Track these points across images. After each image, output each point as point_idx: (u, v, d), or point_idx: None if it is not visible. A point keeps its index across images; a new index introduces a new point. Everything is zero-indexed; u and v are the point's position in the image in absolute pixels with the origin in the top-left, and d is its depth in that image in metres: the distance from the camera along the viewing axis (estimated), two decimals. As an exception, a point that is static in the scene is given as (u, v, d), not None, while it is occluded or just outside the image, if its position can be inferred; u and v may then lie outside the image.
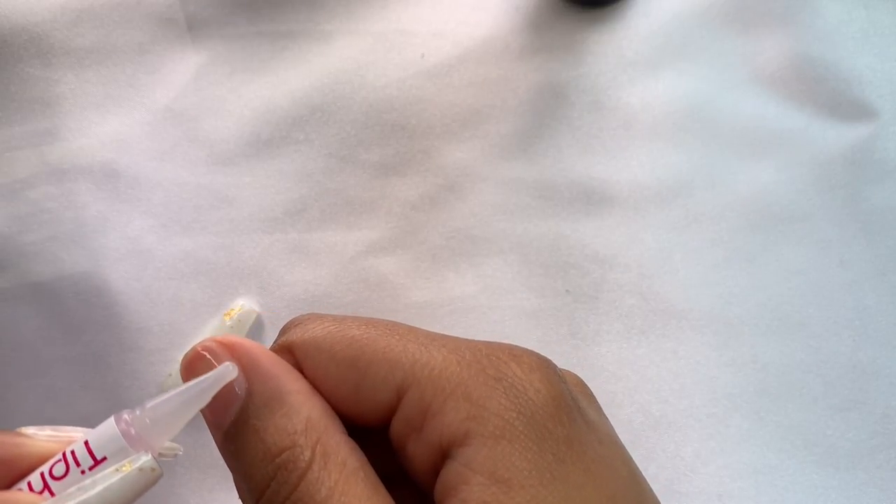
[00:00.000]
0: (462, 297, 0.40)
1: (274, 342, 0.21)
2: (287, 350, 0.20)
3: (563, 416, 0.19)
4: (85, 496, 0.18)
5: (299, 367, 0.20)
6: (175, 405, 0.19)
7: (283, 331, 0.21)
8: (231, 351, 0.19)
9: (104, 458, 0.19)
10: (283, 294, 0.40)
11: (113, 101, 0.42)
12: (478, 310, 0.40)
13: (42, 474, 0.19)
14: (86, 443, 0.19)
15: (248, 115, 0.42)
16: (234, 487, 0.20)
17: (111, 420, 0.19)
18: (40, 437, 0.21)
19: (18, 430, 0.21)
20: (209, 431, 0.20)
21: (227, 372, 0.19)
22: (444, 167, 0.42)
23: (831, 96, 0.42)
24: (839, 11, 0.42)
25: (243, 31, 0.43)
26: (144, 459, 0.19)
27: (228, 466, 0.19)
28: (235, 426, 0.19)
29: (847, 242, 0.40)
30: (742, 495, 0.37)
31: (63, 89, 0.42)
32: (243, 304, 0.40)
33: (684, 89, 0.42)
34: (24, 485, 0.20)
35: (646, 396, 0.39)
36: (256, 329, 0.41)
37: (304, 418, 0.19)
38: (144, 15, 0.42)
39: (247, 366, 0.19)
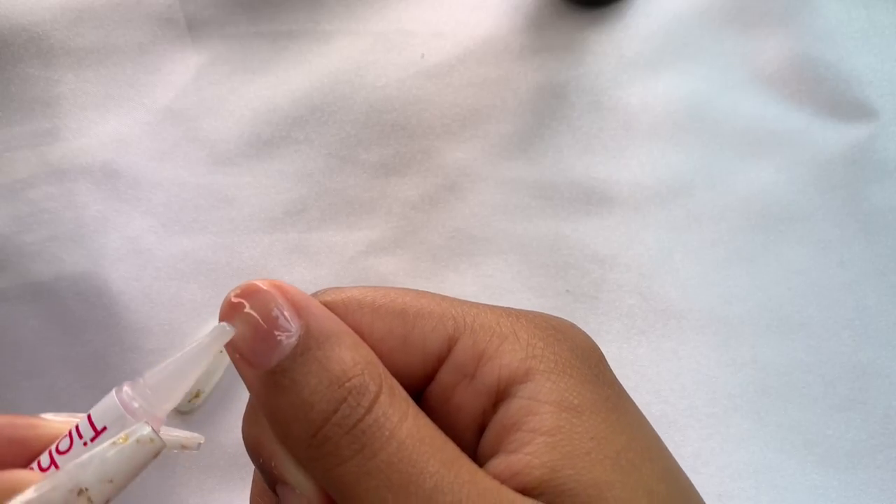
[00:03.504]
0: (462, 297, 0.40)
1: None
2: (326, 307, 0.20)
3: (606, 364, 0.20)
4: (82, 470, 0.18)
5: None
6: (173, 370, 0.19)
7: (314, 296, 0.21)
8: (281, 292, 0.19)
9: (104, 428, 0.19)
10: (283, 294, 0.40)
11: (113, 101, 0.42)
12: (478, 310, 0.40)
13: (50, 451, 0.19)
14: (88, 416, 0.19)
15: (248, 115, 0.42)
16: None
17: (112, 392, 0.19)
18: (55, 420, 0.21)
19: (37, 415, 0.21)
20: (241, 377, 0.20)
21: (223, 332, 0.19)
22: (444, 167, 0.42)
23: (831, 96, 0.42)
24: (839, 11, 0.42)
25: (243, 31, 0.43)
26: (143, 431, 0.18)
27: (271, 406, 0.19)
28: (291, 360, 0.18)
29: (847, 242, 0.40)
30: (742, 495, 0.37)
31: (63, 89, 0.42)
32: None
33: (684, 89, 0.42)
34: (35, 464, 0.19)
35: (646, 396, 0.39)
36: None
37: (364, 354, 0.19)
38: (144, 15, 0.42)
39: (300, 305, 0.19)
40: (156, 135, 0.42)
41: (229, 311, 0.19)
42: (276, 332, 0.18)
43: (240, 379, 0.19)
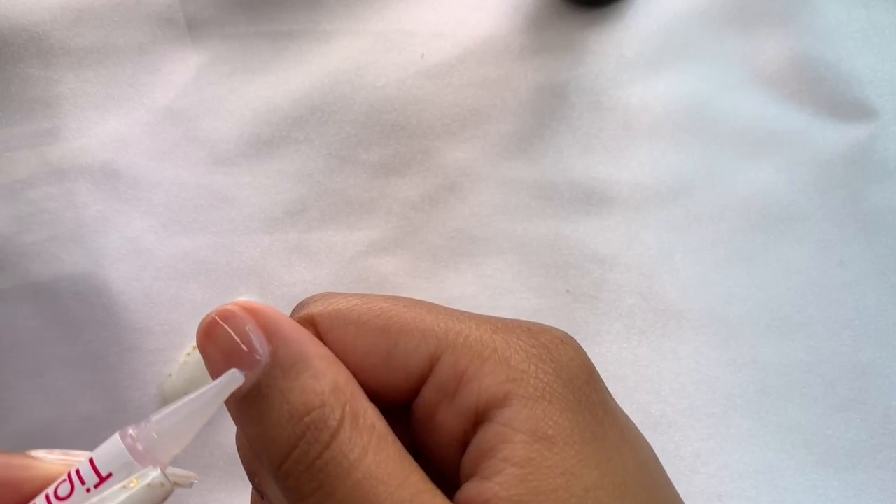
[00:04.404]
0: (462, 297, 0.40)
1: (291, 316, 0.21)
2: (309, 322, 0.20)
3: (596, 384, 0.19)
4: None
5: (322, 339, 0.20)
6: (182, 416, 0.19)
7: (301, 306, 0.21)
8: (252, 315, 0.19)
9: (109, 475, 0.18)
10: (283, 294, 0.40)
11: (113, 101, 0.42)
12: (478, 310, 0.40)
13: (47, 496, 0.19)
14: (90, 460, 0.19)
15: (248, 115, 0.42)
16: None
17: (116, 436, 0.19)
18: (49, 459, 0.20)
19: (27, 452, 0.21)
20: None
21: (234, 379, 0.18)
22: (444, 167, 0.42)
23: (831, 96, 0.42)
24: (839, 11, 0.42)
25: (243, 31, 0.43)
26: (153, 475, 0.18)
27: (245, 433, 0.19)
28: (257, 389, 0.18)
29: (847, 242, 0.40)
30: (742, 495, 0.37)
31: (63, 89, 0.42)
32: None
33: (684, 89, 0.42)
34: None
35: (646, 396, 0.39)
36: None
37: (330, 381, 0.18)
38: (144, 15, 0.42)
39: (269, 329, 0.19)
40: (156, 135, 0.42)
41: (204, 336, 0.19)
42: (244, 358, 0.18)
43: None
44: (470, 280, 0.40)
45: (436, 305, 0.20)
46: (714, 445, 0.38)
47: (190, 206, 0.41)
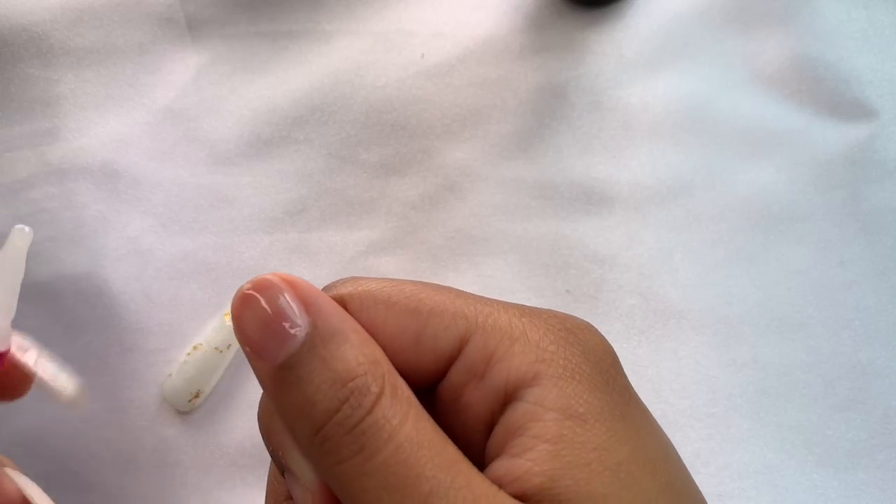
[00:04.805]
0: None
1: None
2: (340, 302, 0.20)
3: (620, 368, 0.20)
4: None
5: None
6: None
7: (329, 288, 0.21)
8: (291, 287, 0.19)
9: None
10: (283, 294, 0.40)
11: (113, 101, 0.42)
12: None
13: None
14: None
15: (248, 115, 0.42)
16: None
17: None
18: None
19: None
20: (253, 370, 0.19)
21: (22, 234, 0.19)
22: (444, 167, 0.42)
23: (831, 96, 0.42)
24: (839, 11, 0.42)
25: (243, 31, 0.43)
26: None
27: (278, 400, 0.19)
28: (298, 356, 0.18)
29: (847, 242, 0.40)
30: (742, 495, 0.37)
31: (63, 89, 0.42)
32: None
33: (684, 89, 0.42)
34: None
35: (646, 396, 0.38)
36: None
37: (369, 353, 0.19)
38: (144, 15, 0.42)
39: (308, 301, 0.19)
40: (156, 135, 0.42)
41: (241, 304, 0.19)
42: (285, 327, 0.18)
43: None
44: (470, 280, 0.40)
45: (462, 291, 0.21)
46: (714, 445, 0.38)
47: (190, 206, 0.41)
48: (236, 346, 0.40)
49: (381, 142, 0.42)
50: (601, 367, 0.19)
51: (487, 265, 0.41)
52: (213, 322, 0.40)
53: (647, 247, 0.41)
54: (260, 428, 0.21)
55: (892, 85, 0.41)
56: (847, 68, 0.42)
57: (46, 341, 0.40)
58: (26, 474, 0.38)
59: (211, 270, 0.41)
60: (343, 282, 0.21)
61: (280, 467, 0.20)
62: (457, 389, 0.20)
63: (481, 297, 0.21)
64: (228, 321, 0.40)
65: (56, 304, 0.40)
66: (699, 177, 0.41)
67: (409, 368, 0.20)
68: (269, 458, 0.21)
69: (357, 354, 0.18)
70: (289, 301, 0.19)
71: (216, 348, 0.39)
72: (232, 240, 0.41)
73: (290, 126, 0.42)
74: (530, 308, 0.20)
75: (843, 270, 0.40)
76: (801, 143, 0.41)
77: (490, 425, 0.19)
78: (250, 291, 0.19)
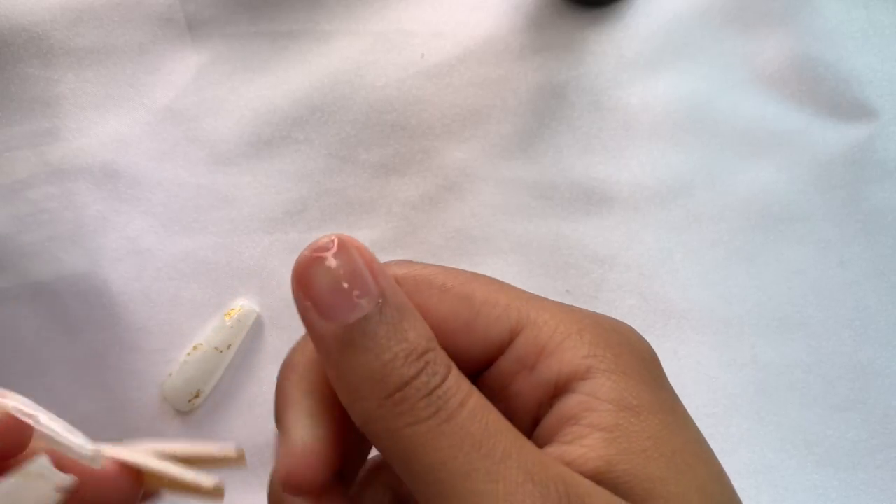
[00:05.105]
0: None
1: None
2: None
3: (662, 368, 0.21)
4: None
5: None
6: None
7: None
8: (362, 254, 0.19)
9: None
10: (283, 294, 0.40)
11: (113, 101, 0.42)
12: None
13: None
14: None
15: (248, 115, 0.42)
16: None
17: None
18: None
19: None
20: (309, 330, 0.19)
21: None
22: (444, 167, 0.42)
23: (831, 96, 0.42)
24: (839, 11, 0.42)
25: (243, 31, 0.43)
26: (37, 463, 0.18)
27: (344, 363, 0.19)
28: (371, 321, 0.18)
29: (847, 242, 0.40)
30: (742, 495, 0.37)
31: (63, 89, 0.42)
32: (243, 305, 0.40)
33: (684, 89, 0.42)
34: None
35: (646, 396, 0.39)
36: (256, 329, 0.41)
37: (431, 334, 0.19)
38: (144, 15, 0.42)
39: (377, 272, 0.19)
40: (156, 135, 0.42)
41: (310, 262, 0.19)
42: (357, 290, 0.18)
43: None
44: (470, 280, 0.40)
45: (513, 285, 0.21)
46: (714, 445, 0.38)
47: (190, 206, 0.41)
48: (237, 345, 0.40)
49: (381, 142, 0.42)
50: (648, 365, 0.20)
51: (487, 265, 0.41)
52: (213, 322, 0.40)
53: (647, 247, 0.41)
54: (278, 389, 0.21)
55: (892, 85, 0.41)
56: (847, 68, 0.42)
57: (46, 341, 0.40)
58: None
59: (211, 270, 0.41)
60: (397, 263, 0.21)
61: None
62: (505, 378, 0.20)
63: (531, 294, 0.21)
64: (228, 321, 0.40)
65: (56, 304, 0.40)
66: (699, 177, 0.41)
67: (458, 353, 0.20)
68: (269, 459, 0.21)
69: (425, 331, 0.19)
70: (363, 265, 0.19)
71: (216, 348, 0.39)
72: (232, 240, 0.41)
73: (290, 126, 0.42)
74: (578, 309, 0.21)
75: (843, 270, 0.40)
76: (801, 143, 0.41)
77: (536, 417, 0.20)
78: (321, 252, 0.19)
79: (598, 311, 0.41)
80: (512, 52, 0.43)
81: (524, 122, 0.42)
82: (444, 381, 0.18)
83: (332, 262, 0.19)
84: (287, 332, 0.40)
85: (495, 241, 0.41)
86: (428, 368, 0.18)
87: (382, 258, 0.20)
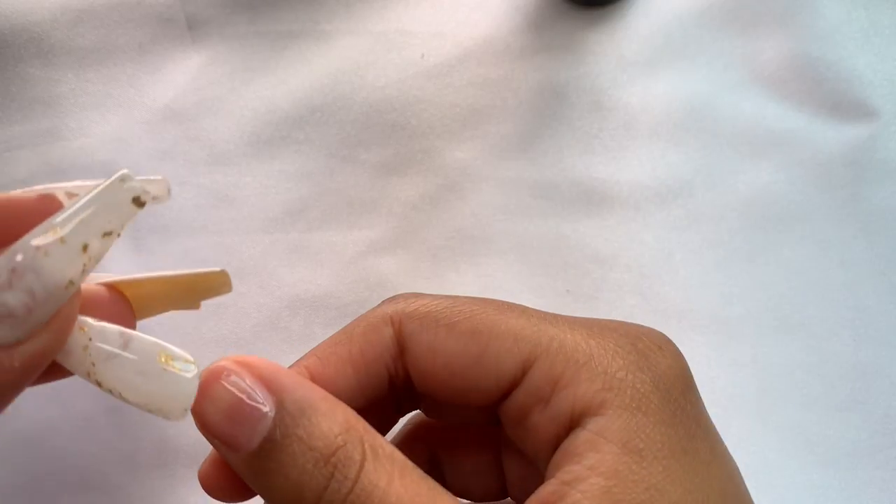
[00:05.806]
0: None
1: (373, 310, 0.21)
2: (389, 321, 0.20)
3: (692, 395, 0.20)
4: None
5: (403, 340, 0.20)
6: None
7: (388, 303, 0.21)
8: (249, 370, 0.19)
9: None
10: (283, 294, 0.40)
11: (113, 100, 0.42)
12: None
13: None
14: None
15: (248, 115, 0.42)
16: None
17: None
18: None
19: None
20: (227, 461, 0.19)
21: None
22: (444, 167, 0.42)
23: (831, 96, 0.42)
24: (839, 11, 0.42)
25: (243, 31, 0.43)
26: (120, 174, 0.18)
27: (261, 486, 0.18)
28: (273, 441, 0.18)
29: (847, 242, 0.40)
30: (742, 495, 0.37)
31: (63, 89, 0.42)
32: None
33: (684, 89, 0.42)
34: None
35: (646, 396, 0.39)
36: (253, 329, 0.40)
37: (342, 420, 0.18)
38: (144, 15, 0.42)
39: (268, 380, 0.18)
40: (156, 135, 0.42)
41: (199, 399, 0.18)
42: (250, 412, 0.18)
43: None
44: (470, 280, 0.40)
45: (526, 308, 0.20)
46: (714, 445, 0.38)
47: (190, 206, 0.41)
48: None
49: (381, 142, 0.42)
50: (671, 396, 0.19)
51: (487, 265, 0.41)
52: (212, 321, 0.40)
53: (647, 247, 0.41)
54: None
55: (892, 85, 0.41)
56: (847, 68, 0.42)
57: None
58: (26, 474, 0.38)
59: (211, 270, 0.41)
60: (398, 300, 0.21)
61: None
62: (522, 411, 0.20)
63: (547, 316, 0.20)
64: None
65: (56, 304, 0.40)
66: (699, 177, 0.41)
67: (469, 389, 0.19)
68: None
69: (332, 424, 0.18)
70: (248, 384, 0.18)
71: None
72: (232, 240, 0.41)
73: (290, 126, 0.42)
74: (599, 324, 0.20)
75: (843, 270, 0.40)
76: (801, 143, 0.41)
77: (555, 448, 0.19)
78: (208, 380, 0.18)
79: (599, 311, 0.41)
80: (512, 53, 0.43)
81: (524, 122, 0.42)
82: (356, 481, 0.17)
83: (216, 393, 0.18)
84: (286, 332, 0.40)
85: (495, 241, 0.41)
86: (337, 473, 0.17)
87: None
